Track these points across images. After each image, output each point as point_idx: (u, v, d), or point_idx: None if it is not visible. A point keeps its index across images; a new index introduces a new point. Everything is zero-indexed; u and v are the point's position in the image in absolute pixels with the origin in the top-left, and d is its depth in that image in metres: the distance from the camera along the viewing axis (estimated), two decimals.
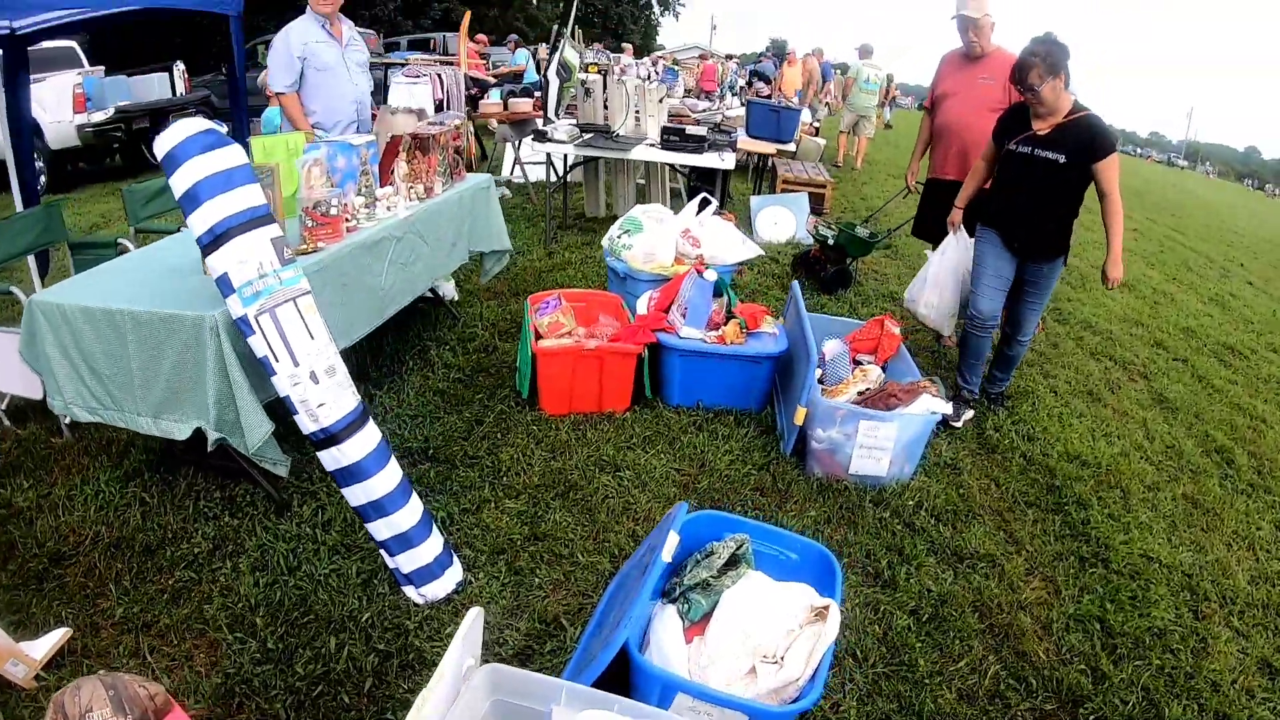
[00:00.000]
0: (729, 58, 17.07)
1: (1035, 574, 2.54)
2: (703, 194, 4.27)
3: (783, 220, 6.33)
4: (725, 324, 3.33)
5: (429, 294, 3.88)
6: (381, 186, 3.15)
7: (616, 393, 3.20)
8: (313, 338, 2.00)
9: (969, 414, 3.50)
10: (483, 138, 8.80)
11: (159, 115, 8.66)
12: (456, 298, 4.45)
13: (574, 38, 6.72)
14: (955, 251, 3.67)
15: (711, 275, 3.27)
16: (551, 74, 6.00)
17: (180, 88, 9.85)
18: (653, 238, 3.77)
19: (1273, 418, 4.27)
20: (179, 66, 9.98)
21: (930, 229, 4.16)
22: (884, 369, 3.33)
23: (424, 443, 2.90)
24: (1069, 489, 3.05)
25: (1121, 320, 5.55)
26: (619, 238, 3.88)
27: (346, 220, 2.78)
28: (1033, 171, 3.10)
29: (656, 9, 47.36)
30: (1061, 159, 3.01)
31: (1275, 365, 5.34)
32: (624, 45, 15.19)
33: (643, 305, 3.50)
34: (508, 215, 4.60)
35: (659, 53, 21.87)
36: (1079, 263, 6.76)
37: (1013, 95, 3.33)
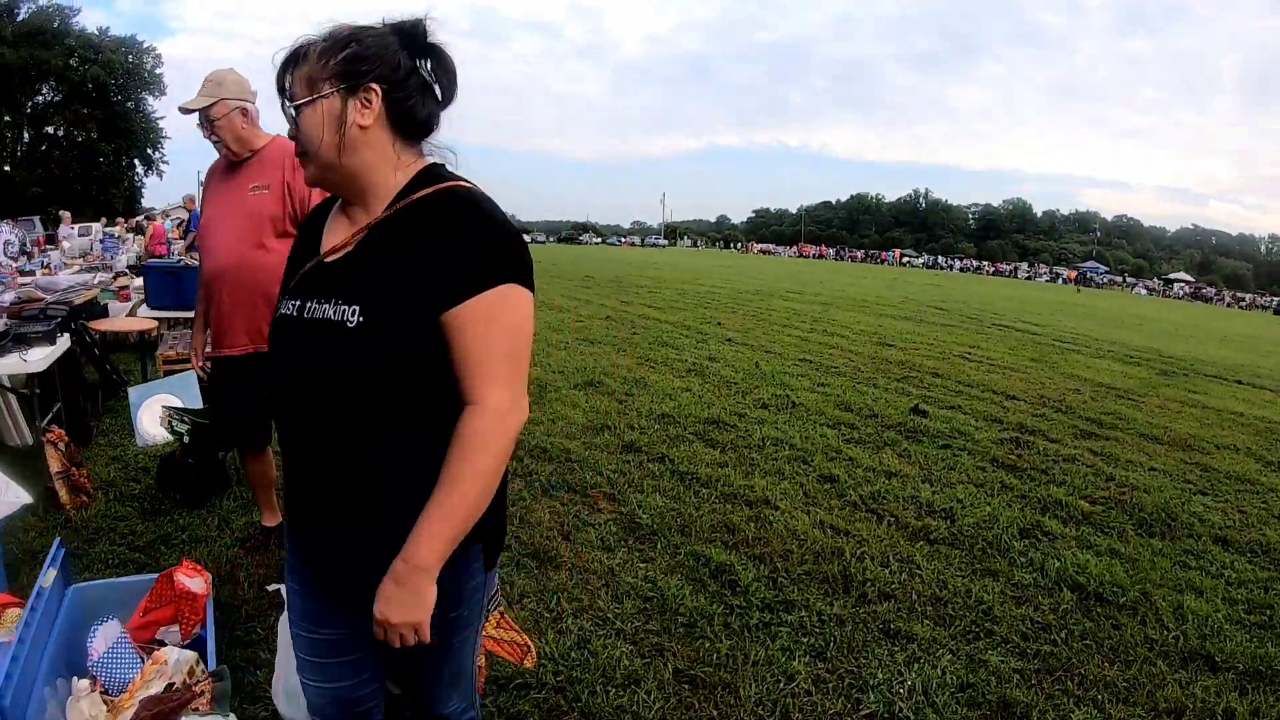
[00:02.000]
0: None
1: None
2: None
3: None
4: None
5: None
6: None
7: None
8: None
9: None
10: None
11: None
12: None
13: None
14: None
15: None
16: None
17: None
18: None
19: (778, 497, 3.62)
20: None
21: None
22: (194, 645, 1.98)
23: None
24: None
25: (582, 434, 4.52)
26: None
27: None
28: (310, 358, 1.11)
29: (140, 169, 46.67)
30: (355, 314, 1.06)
31: (769, 426, 4.87)
32: (61, 212, 13.16)
33: None
34: None
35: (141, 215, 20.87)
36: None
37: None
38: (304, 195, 2.41)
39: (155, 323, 5.48)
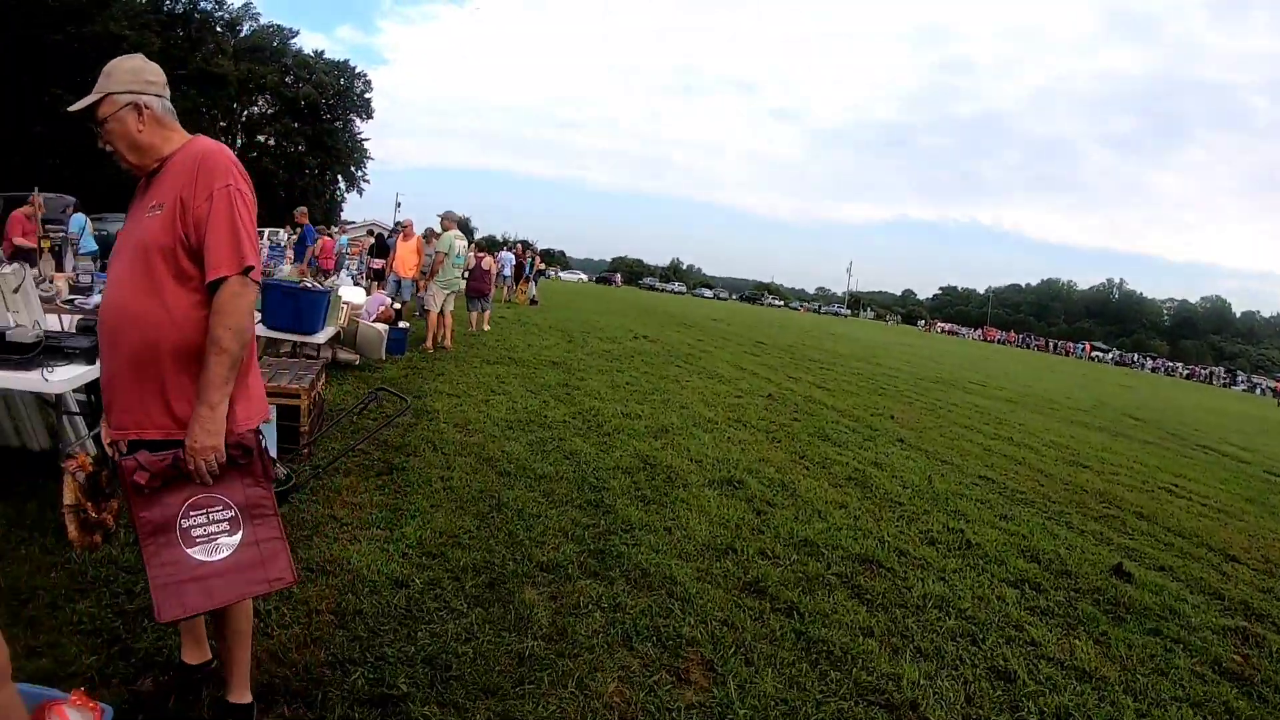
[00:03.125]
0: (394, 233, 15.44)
1: None
2: None
3: None
4: None
5: None
6: None
7: None
8: None
9: None
10: None
11: None
12: None
13: None
14: None
15: None
16: None
17: None
18: None
19: (931, 702, 2.62)
20: None
21: None
22: None
23: None
24: None
25: (700, 555, 3.72)
26: None
27: None
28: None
29: (343, 184, 51.31)
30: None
31: (934, 576, 3.80)
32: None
33: None
34: None
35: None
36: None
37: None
38: (200, 217, 1.70)
39: None
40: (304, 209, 12.49)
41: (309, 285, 5.88)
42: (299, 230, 12.39)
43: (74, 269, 4.34)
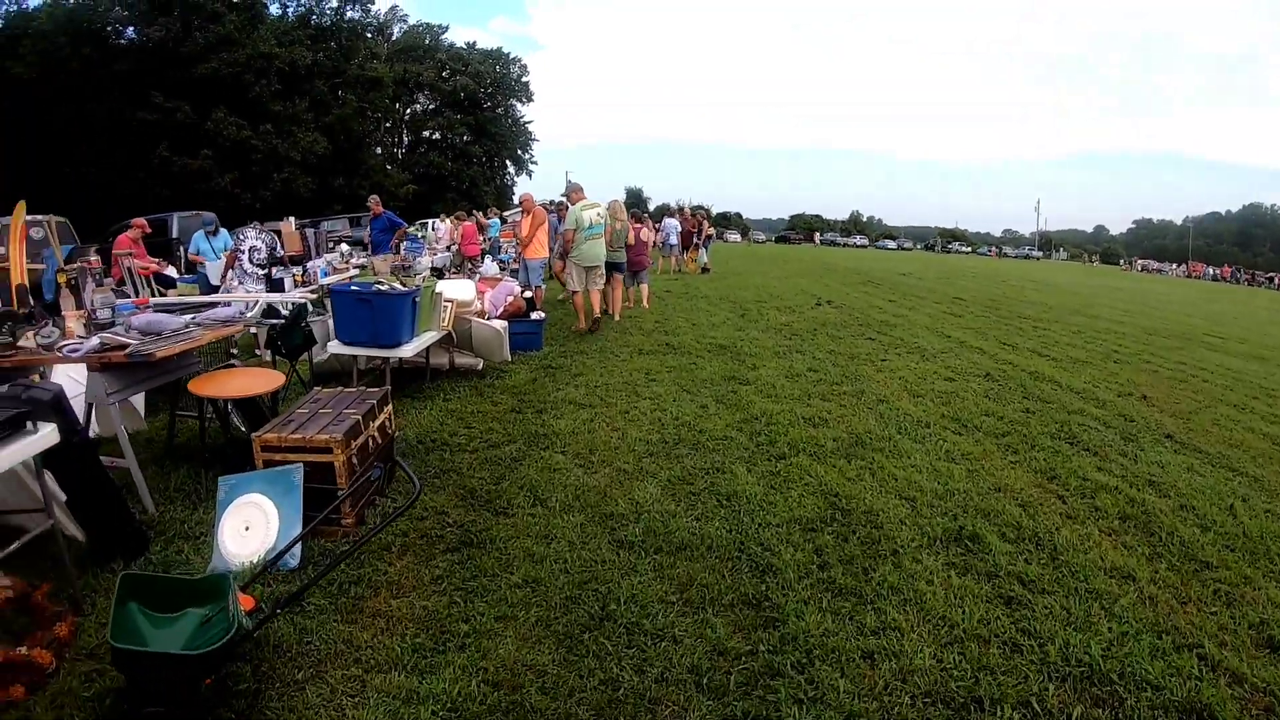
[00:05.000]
0: (552, 207, 14.10)
1: None
2: None
3: (256, 522, 2.98)
4: None
5: None
6: None
7: None
8: None
9: None
10: None
11: None
12: None
13: None
14: None
15: None
16: None
17: None
18: None
19: None
20: None
21: None
22: None
23: None
24: None
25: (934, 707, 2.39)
26: None
27: None
28: None
29: (511, 169, 51.42)
30: None
31: None
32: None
33: None
34: None
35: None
36: None
37: None
38: None
39: (279, 382, 3.93)
40: (376, 197, 11.23)
41: (383, 286, 4.75)
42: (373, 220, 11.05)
43: (90, 302, 3.45)
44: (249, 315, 4.40)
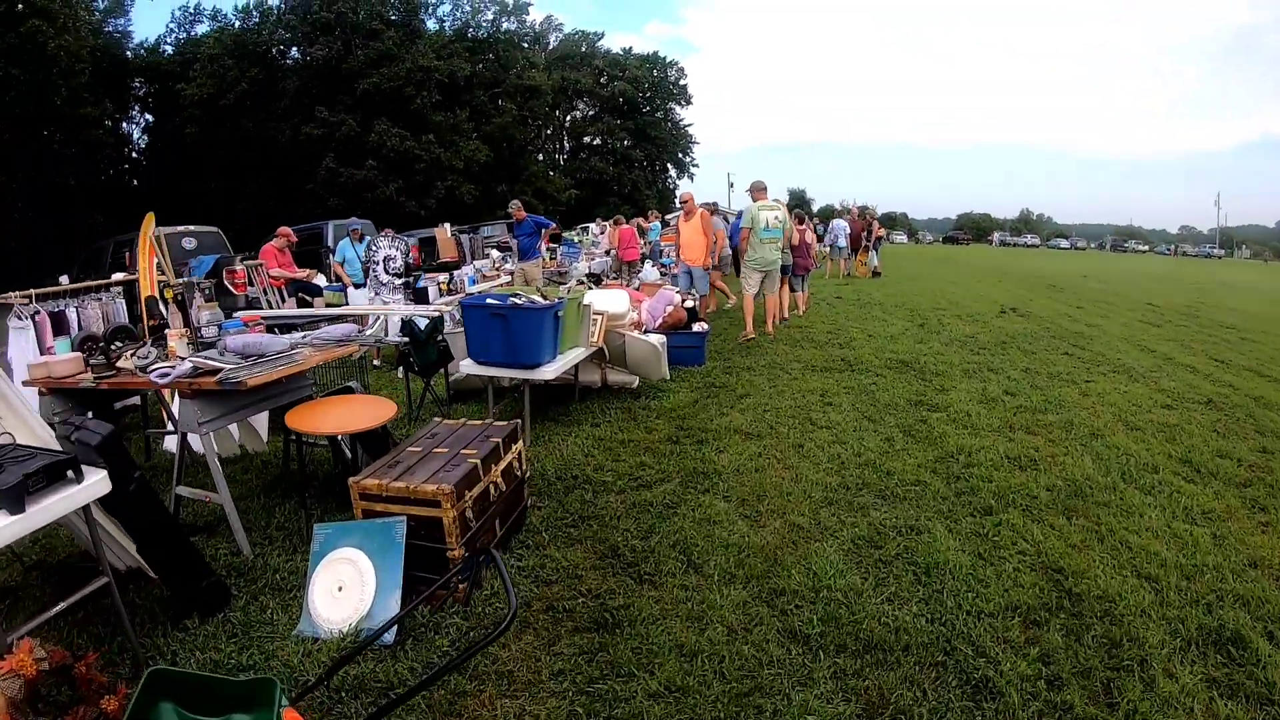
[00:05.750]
0: (713, 210, 12.50)
1: None
2: None
3: (351, 582, 2.49)
4: None
5: None
6: None
7: None
8: None
9: None
10: None
11: None
12: None
13: None
14: None
15: None
16: None
17: None
18: None
19: None
20: None
21: None
22: None
23: None
24: None
25: None
26: None
27: None
28: None
29: (673, 172, 50.82)
30: None
31: None
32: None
33: None
34: None
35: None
36: None
37: None
38: None
39: (387, 415, 3.17)
40: (517, 202, 10.20)
41: (519, 299, 4.08)
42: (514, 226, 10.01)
43: (197, 319, 3.06)
44: (368, 333, 3.92)
